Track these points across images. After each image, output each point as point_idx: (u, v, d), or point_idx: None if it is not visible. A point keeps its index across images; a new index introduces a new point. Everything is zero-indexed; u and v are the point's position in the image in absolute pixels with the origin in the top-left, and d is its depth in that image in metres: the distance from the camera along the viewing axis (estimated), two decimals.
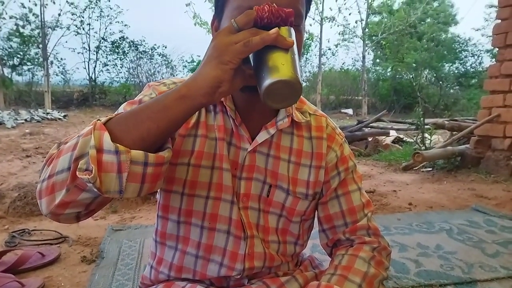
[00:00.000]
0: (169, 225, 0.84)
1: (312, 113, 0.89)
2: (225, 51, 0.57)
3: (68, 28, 15.18)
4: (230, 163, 0.80)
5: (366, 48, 16.35)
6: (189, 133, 0.80)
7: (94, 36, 16.27)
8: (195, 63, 16.66)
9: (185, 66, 17.14)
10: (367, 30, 15.87)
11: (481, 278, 1.63)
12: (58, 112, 10.82)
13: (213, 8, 0.80)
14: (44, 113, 10.12)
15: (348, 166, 0.90)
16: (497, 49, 3.79)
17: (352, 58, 24.32)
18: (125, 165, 0.55)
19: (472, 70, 17.98)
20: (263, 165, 0.82)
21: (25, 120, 8.85)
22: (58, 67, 16.27)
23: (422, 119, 4.75)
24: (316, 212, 0.93)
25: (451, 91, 17.77)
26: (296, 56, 0.60)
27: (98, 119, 0.59)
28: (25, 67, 15.25)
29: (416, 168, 4.03)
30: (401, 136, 6.06)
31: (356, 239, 0.87)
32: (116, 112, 0.74)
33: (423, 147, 4.41)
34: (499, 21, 3.75)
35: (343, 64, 20.39)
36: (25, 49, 15.10)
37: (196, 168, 0.79)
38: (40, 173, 0.65)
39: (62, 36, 15.40)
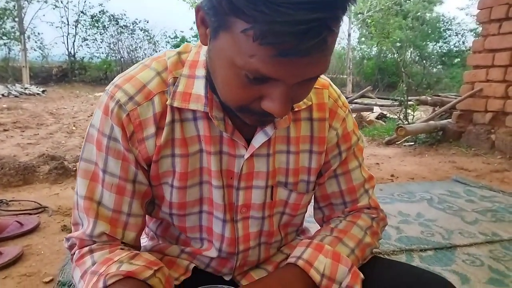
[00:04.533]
0: (171, 228, 0.80)
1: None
2: None
3: (45, 1, 14.62)
4: (225, 174, 0.71)
5: (352, 25, 16.27)
6: (163, 154, 0.68)
7: (72, 10, 15.86)
8: (178, 39, 16.30)
9: (168, 42, 16.77)
10: (353, 7, 15.75)
11: (460, 243, 1.67)
12: (37, 87, 10.52)
13: None
14: (22, 88, 9.82)
15: (351, 143, 0.80)
16: (481, 24, 3.80)
17: (338, 36, 24.18)
18: None
19: (455, 49, 18.14)
20: (264, 169, 0.72)
21: (2, 95, 8.58)
22: (36, 42, 15.74)
23: (405, 95, 4.78)
24: None
25: (434, 70, 17.93)
26: None
27: None
28: (1, 42, 14.69)
29: (399, 142, 4.07)
30: (385, 112, 6.11)
31: (356, 213, 0.83)
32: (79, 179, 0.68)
33: (406, 123, 4.46)
34: None
35: None
36: (0, 23, 14.51)
37: (182, 190, 0.70)
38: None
39: (39, 9, 14.90)
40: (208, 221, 0.74)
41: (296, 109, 0.72)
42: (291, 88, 0.52)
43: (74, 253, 0.68)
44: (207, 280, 0.82)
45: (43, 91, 10.13)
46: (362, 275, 0.70)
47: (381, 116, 5.86)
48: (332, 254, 0.70)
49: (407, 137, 3.97)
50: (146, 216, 0.82)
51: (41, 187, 2.34)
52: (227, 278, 0.83)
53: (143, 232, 0.91)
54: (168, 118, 0.67)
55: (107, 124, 0.66)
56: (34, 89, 10.06)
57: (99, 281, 0.59)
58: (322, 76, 0.77)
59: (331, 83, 0.80)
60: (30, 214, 1.89)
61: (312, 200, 0.87)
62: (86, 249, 0.67)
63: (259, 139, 0.68)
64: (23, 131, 4.59)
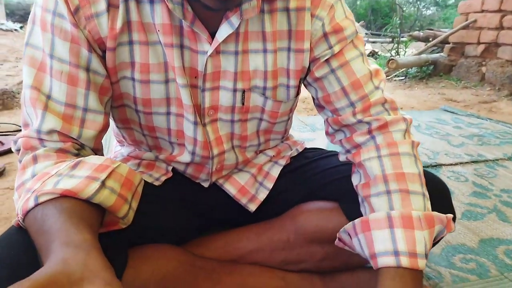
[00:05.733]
0: (136, 134, 0.73)
1: None
2: None
3: None
4: (188, 72, 0.63)
5: None
6: (120, 41, 0.59)
7: None
8: None
9: None
10: None
11: (445, 162, 1.68)
12: (14, 23, 9.98)
13: None
14: None
15: (346, 34, 0.67)
16: None
17: None
18: None
19: None
20: (232, 69, 0.64)
21: None
22: None
23: (398, 29, 4.65)
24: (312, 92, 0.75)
25: (428, 12, 17.47)
26: None
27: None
28: None
29: (389, 77, 4.02)
30: (377, 50, 5.98)
31: (374, 121, 0.67)
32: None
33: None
34: None
35: None
36: None
37: (145, 84, 0.63)
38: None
39: None
40: (178, 124, 0.68)
41: None
42: None
43: (21, 161, 0.58)
44: (188, 183, 0.80)
45: (21, 27, 9.64)
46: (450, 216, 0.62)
47: (372, 54, 5.74)
48: (425, 218, 0.59)
49: (397, 72, 3.91)
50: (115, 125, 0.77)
51: (21, 112, 2.27)
52: (205, 184, 0.79)
53: (117, 141, 0.86)
54: None
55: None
56: (11, 25, 9.54)
57: (30, 199, 0.49)
58: None
59: None
60: (10, 135, 1.83)
61: (327, 127, 0.76)
62: (29, 157, 0.56)
63: (223, 31, 0.60)
64: (1, 65, 4.39)
